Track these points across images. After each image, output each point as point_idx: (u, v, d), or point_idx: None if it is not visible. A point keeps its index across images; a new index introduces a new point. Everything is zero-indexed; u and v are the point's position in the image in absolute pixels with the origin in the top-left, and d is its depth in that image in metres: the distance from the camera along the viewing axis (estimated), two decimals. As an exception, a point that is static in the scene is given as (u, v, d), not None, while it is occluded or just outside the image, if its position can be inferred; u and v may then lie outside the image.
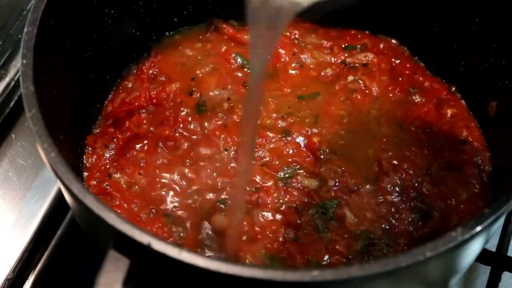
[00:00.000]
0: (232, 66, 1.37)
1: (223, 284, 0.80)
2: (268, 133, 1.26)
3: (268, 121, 1.28)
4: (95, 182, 1.19)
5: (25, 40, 1.00)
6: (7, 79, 1.40)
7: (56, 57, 1.10)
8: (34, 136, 0.90)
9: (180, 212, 1.16)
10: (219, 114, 1.28)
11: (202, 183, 1.19)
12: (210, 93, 1.31)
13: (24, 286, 1.22)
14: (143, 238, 0.79)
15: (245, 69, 1.36)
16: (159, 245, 0.79)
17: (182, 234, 1.13)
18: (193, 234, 1.13)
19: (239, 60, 1.37)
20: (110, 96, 1.34)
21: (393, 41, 1.43)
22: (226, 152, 1.23)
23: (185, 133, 1.25)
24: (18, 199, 1.29)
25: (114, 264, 0.79)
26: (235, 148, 1.23)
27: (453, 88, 1.35)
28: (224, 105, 1.29)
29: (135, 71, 1.37)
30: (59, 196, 1.28)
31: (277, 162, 1.22)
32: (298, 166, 1.22)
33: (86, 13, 1.19)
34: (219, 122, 1.27)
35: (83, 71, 1.23)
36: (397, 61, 1.39)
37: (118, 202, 1.16)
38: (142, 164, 1.22)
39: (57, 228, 1.28)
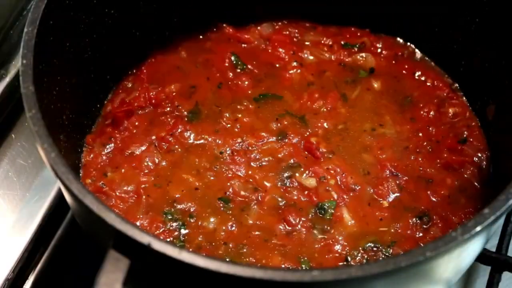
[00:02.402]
0: (226, 64, 1.37)
1: (223, 284, 0.80)
2: (262, 133, 1.26)
3: (263, 123, 1.28)
4: (90, 181, 1.20)
5: (25, 40, 1.00)
6: (7, 79, 1.40)
7: (56, 57, 1.10)
8: (34, 136, 0.90)
9: (178, 212, 1.16)
10: (211, 119, 1.28)
11: (200, 183, 1.19)
12: (205, 98, 1.31)
13: (24, 286, 1.22)
14: (143, 238, 0.79)
15: (237, 70, 1.36)
16: (159, 245, 0.79)
17: (182, 233, 1.13)
18: (192, 233, 1.13)
19: (233, 59, 1.37)
20: (110, 96, 1.34)
21: (395, 39, 1.43)
22: (221, 154, 1.23)
23: (180, 138, 1.25)
24: (18, 199, 1.29)
25: (114, 264, 0.79)
26: (230, 149, 1.23)
27: (455, 86, 1.35)
28: (215, 111, 1.30)
29: (134, 71, 1.37)
30: (59, 196, 1.28)
31: (275, 163, 1.22)
32: (297, 166, 1.21)
33: (86, 13, 1.19)
34: (212, 128, 1.27)
35: (83, 71, 1.23)
36: (396, 61, 1.39)
37: (114, 202, 1.16)
38: (138, 164, 1.22)
39: (57, 228, 1.28)
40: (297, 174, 1.20)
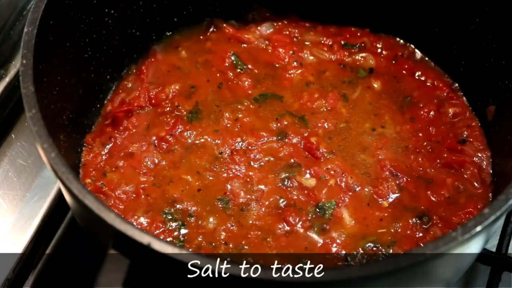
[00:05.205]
0: (226, 64, 1.37)
1: (223, 284, 0.80)
2: (262, 133, 1.26)
3: (263, 123, 1.28)
4: (90, 181, 1.19)
5: (25, 40, 1.00)
6: (7, 79, 1.40)
7: (56, 57, 1.10)
8: (34, 136, 0.91)
9: (178, 212, 1.16)
10: (211, 119, 1.28)
11: (200, 183, 1.19)
12: (205, 98, 1.31)
13: (24, 286, 1.22)
14: (143, 238, 0.79)
15: (237, 70, 1.36)
16: (159, 245, 0.79)
17: (181, 233, 1.13)
18: (192, 233, 1.13)
19: (233, 59, 1.37)
20: (110, 96, 1.34)
21: (395, 39, 1.43)
22: (221, 154, 1.23)
23: (180, 138, 1.25)
24: (18, 199, 1.29)
25: (114, 264, 0.79)
26: (229, 149, 1.23)
27: (455, 86, 1.35)
28: (215, 111, 1.30)
29: (135, 71, 1.37)
30: (59, 196, 1.28)
31: (276, 162, 1.22)
32: (297, 166, 1.21)
33: (86, 13, 1.19)
34: (212, 128, 1.27)
35: (83, 71, 1.23)
36: (396, 61, 1.39)
37: (113, 202, 1.16)
38: (137, 164, 1.22)
39: (57, 228, 1.28)
40: (297, 174, 1.20)
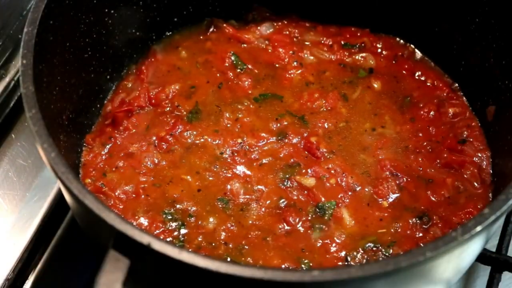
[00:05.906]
0: (226, 64, 1.37)
1: (223, 284, 0.80)
2: (262, 134, 1.26)
3: (263, 123, 1.28)
4: (90, 181, 1.19)
5: (25, 40, 1.00)
6: (7, 79, 1.40)
7: (56, 57, 1.10)
8: (34, 136, 0.91)
9: (178, 212, 1.16)
10: (211, 119, 1.28)
11: (200, 183, 1.19)
12: (205, 98, 1.31)
13: (24, 286, 1.22)
14: (143, 238, 0.79)
15: (237, 70, 1.36)
16: (159, 245, 0.79)
17: (181, 233, 1.13)
18: (192, 233, 1.13)
19: (233, 59, 1.37)
20: (110, 96, 1.34)
21: (395, 39, 1.43)
22: (221, 154, 1.23)
23: (180, 138, 1.25)
24: (18, 199, 1.29)
25: (114, 264, 0.79)
26: (230, 150, 1.23)
27: (455, 86, 1.35)
28: (215, 111, 1.30)
29: (135, 71, 1.37)
30: (59, 196, 1.28)
31: (276, 162, 1.22)
32: (297, 166, 1.21)
33: (86, 13, 1.19)
34: (212, 128, 1.27)
35: (83, 71, 1.23)
36: (396, 61, 1.39)
37: (112, 202, 1.16)
38: (137, 164, 1.22)
39: (57, 228, 1.28)
40: (296, 174, 1.20)
